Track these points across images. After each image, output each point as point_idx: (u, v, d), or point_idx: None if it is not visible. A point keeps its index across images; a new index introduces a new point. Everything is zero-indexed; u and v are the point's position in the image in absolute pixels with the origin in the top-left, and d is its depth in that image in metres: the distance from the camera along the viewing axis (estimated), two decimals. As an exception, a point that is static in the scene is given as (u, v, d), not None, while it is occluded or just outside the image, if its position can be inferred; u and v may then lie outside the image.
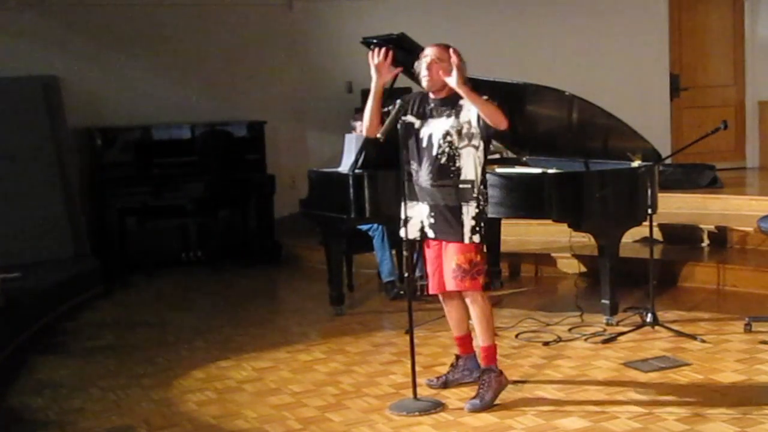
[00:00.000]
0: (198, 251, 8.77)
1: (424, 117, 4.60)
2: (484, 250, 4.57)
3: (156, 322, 6.75)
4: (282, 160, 9.42)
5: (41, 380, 5.42)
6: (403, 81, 6.52)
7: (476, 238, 4.50)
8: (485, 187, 4.60)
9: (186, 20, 9.23)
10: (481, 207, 4.52)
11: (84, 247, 8.29)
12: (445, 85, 4.50)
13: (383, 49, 4.61)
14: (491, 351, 4.60)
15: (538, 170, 6.06)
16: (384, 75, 4.61)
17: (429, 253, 4.71)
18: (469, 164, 4.50)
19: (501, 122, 4.42)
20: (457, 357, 4.89)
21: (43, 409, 4.86)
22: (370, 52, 4.62)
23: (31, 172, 8.07)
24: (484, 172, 4.58)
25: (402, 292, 6.80)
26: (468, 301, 4.61)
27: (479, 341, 4.64)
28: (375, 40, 6.18)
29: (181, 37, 9.18)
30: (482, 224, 4.51)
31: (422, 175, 4.58)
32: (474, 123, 4.48)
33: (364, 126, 4.73)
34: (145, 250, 8.66)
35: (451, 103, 4.53)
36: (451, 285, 4.57)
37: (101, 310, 7.28)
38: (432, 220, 4.60)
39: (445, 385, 4.82)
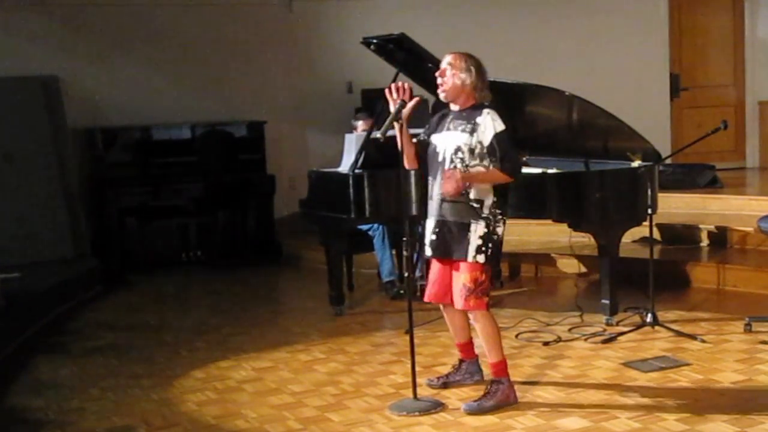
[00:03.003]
0: (198, 251, 8.79)
1: (441, 130, 4.51)
2: (491, 270, 4.51)
3: (156, 322, 6.74)
4: (282, 160, 9.42)
5: (41, 380, 5.42)
6: (403, 81, 6.54)
7: (480, 258, 4.40)
8: (499, 207, 4.46)
9: (186, 20, 9.23)
10: (491, 228, 4.41)
11: (84, 247, 8.30)
12: (459, 94, 4.43)
13: (401, 87, 4.50)
14: (500, 366, 4.53)
15: (538, 170, 6.06)
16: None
17: (434, 262, 4.66)
18: (479, 184, 4.40)
19: (506, 180, 4.41)
20: (461, 360, 4.88)
21: (43, 409, 4.86)
22: (387, 90, 4.52)
23: (31, 172, 8.08)
24: (499, 192, 4.45)
25: (402, 292, 6.81)
26: (471, 318, 4.60)
27: (488, 358, 4.59)
28: (375, 40, 6.18)
29: (181, 37, 9.19)
30: (490, 245, 4.40)
31: (435, 189, 4.50)
32: (485, 145, 4.37)
33: (406, 161, 4.63)
34: (145, 250, 8.68)
35: (467, 117, 4.42)
36: (458, 304, 4.52)
37: (101, 310, 7.28)
38: (434, 237, 4.53)
39: (446, 385, 4.81)
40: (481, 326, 4.54)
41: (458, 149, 4.40)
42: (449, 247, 4.49)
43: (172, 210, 8.71)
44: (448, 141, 4.45)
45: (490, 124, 4.37)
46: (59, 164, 8.28)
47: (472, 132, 4.38)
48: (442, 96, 4.51)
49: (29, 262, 7.55)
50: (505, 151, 4.38)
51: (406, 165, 4.63)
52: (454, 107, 4.52)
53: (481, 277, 4.42)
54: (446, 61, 4.47)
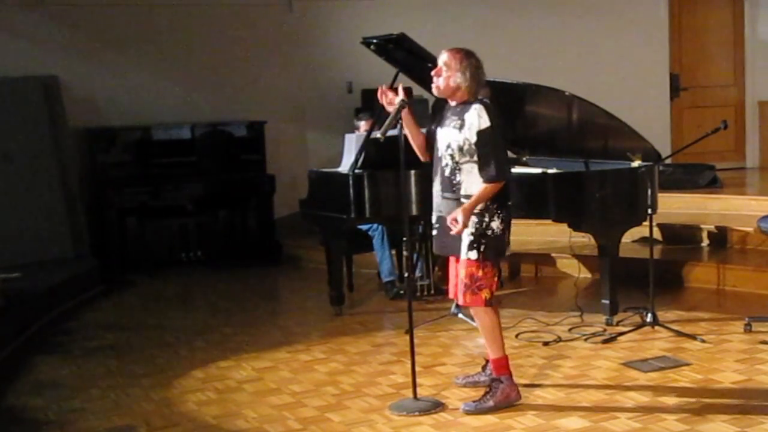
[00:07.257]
0: (198, 251, 8.78)
1: (442, 124, 4.51)
2: (492, 266, 4.44)
3: (156, 322, 6.74)
4: (282, 160, 9.42)
5: (41, 380, 5.42)
6: (403, 81, 6.54)
7: (472, 255, 4.37)
8: (497, 204, 4.39)
9: (186, 20, 9.23)
10: (483, 224, 4.37)
11: (84, 247, 8.29)
12: (454, 92, 4.41)
13: (386, 91, 4.61)
14: (498, 363, 4.53)
15: (538, 170, 6.06)
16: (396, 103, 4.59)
17: (450, 259, 4.66)
18: (471, 180, 4.36)
19: (497, 188, 4.35)
20: (487, 361, 4.82)
21: (43, 409, 4.86)
22: (379, 94, 4.63)
23: (31, 172, 8.07)
24: (498, 190, 4.37)
25: (402, 292, 6.81)
26: (472, 313, 4.61)
27: (489, 354, 4.61)
28: (375, 40, 6.19)
29: (182, 37, 9.18)
30: (483, 241, 4.37)
31: (435, 186, 4.52)
32: (472, 142, 4.34)
33: (417, 152, 4.70)
34: (145, 250, 8.67)
35: (459, 113, 4.40)
36: (459, 299, 4.57)
37: (101, 310, 7.28)
38: (435, 233, 4.58)
39: (475, 384, 4.79)
40: (479, 321, 4.56)
41: (449, 146, 4.42)
42: (445, 242, 4.51)
43: (172, 210, 8.71)
44: (443, 137, 4.48)
45: (476, 121, 4.32)
46: (59, 164, 8.28)
47: (461, 128, 4.37)
48: (435, 93, 4.50)
49: (29, 262, 7.54)
50: (485, 151, 4.31)
51: (420, 156, 4.67)
52: (451, 102, 4.51)
53: (477, 273, 4.41)
54: (442, 60, 4.44)
